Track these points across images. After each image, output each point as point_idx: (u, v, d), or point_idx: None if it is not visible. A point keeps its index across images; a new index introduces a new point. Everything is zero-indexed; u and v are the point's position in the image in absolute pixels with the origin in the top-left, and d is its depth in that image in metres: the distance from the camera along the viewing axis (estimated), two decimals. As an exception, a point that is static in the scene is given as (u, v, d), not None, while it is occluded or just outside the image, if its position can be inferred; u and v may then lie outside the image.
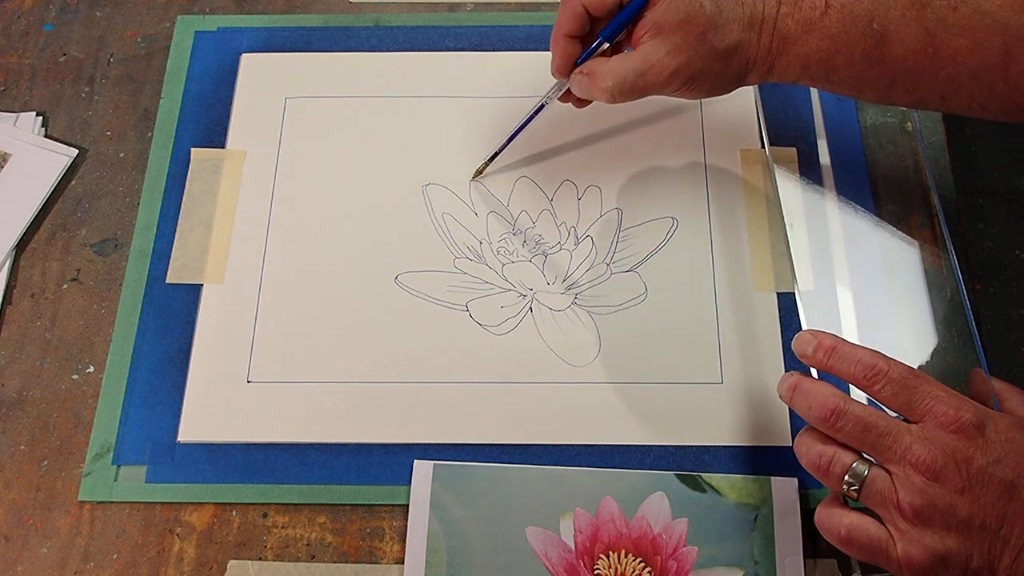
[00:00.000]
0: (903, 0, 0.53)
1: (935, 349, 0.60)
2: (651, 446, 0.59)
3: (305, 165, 0.68)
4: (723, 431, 0.59)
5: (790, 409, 0.58)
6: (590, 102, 0.63)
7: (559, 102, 0.62)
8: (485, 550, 0.56)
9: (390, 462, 0.59)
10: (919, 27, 0.53)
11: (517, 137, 0.65)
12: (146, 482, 0.58)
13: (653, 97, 0.69)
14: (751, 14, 0.55)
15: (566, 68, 0.59)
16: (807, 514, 0.56)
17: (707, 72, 0.56)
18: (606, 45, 0.57)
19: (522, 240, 0.65)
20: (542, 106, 0.62)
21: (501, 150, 0.66)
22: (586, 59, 0.58)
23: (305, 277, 0.64)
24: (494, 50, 0.72)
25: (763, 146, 0.68)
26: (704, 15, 0.54)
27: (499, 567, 0.55)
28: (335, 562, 0.57)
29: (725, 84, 0.58)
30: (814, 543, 0.56)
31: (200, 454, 0.59)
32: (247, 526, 0.58)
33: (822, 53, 0.55)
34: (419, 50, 0.73)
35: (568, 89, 0.61)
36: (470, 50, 0.73)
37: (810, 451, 0.49)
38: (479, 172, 0.67)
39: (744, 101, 0.70)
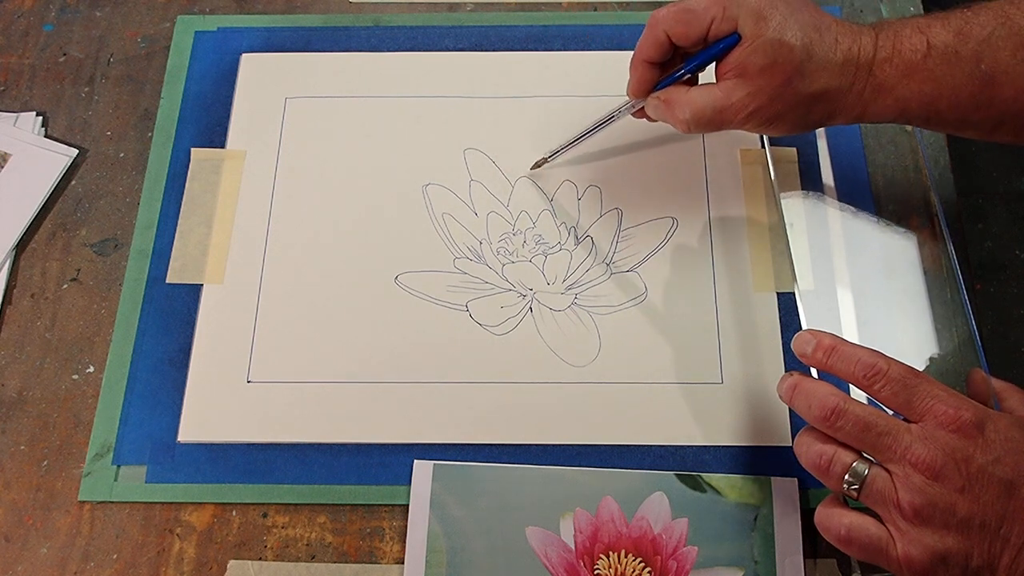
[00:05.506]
0: (1014, 40, 0.51)
1: (935, 349, 0.60)
2: (651, 446, 0.59)
3: (305, 165, 0.68)
4: (723, 431, 0.59)
5: (790, 409, 0.58)
6: None
7: (632, 117, 0.61)
8: (485, 550, 0.56)
9: (390, 462, 0.59)
10: None
11: (570, 149, 0.65)
12: (146, 482, 0.58)
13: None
14: (845, 58, 0.53)
15: (642, 91, 0.58)
16: (807, 514, 0.56)
17: (787, 115, 0.55)
18: (687, 76, 0.57)
19: (522, 240, 0.65)
20: (611, 118, 0.62)
21: (562, 152, 0.65)
22: (665, 86, 0.57)
23: (305, 277, 0.64)
24: (494, 50, 0.72)
25: (763, 146, 0.68)
26: (792, 62, 0.52)
27: (499, 567, 0.55)
28: (335, 562, 0.57)
29: (808, 126, 0.56)
30: (814, 543, 0.56)
31: (200, 454, 0.59)
32: (247, 526, 0.58)
33: (925, 97, 0.53)
34: (419, 50, 0.73)
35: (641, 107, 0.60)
36: (470, 50, 0.72)
37: (810, 451, 0.49)
38: (536, 165, 0.66)
39: (744, 101, 0.69)
